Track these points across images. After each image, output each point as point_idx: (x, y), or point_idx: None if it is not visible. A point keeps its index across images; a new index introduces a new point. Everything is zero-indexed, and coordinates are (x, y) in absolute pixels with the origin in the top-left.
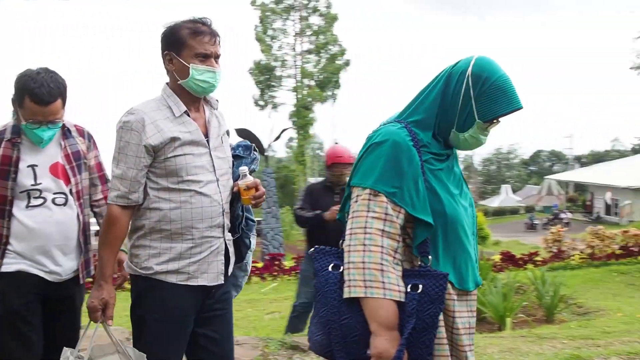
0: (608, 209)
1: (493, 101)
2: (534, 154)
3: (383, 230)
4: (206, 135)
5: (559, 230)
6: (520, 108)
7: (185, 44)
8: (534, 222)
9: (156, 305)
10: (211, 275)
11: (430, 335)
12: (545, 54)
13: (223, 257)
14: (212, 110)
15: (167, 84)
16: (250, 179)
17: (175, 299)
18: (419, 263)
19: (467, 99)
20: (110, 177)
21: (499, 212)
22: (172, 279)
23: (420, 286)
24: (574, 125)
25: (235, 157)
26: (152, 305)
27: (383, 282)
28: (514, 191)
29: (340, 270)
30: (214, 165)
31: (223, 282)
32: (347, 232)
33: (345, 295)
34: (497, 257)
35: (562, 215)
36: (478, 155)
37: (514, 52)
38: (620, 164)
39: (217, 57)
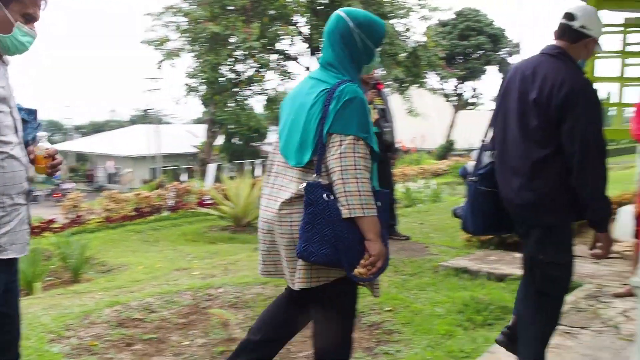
0: (110, 178)
1: (374, 31)
2: None
3: (366, 166)
4: None
5: (78, 195)
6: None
7: None
8: (36, 194)
9: None
10: (19, 247)
11: (386, 234)
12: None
13: (28, 226)
14: (4, 65)
15: None
16: (49, 146)
17: None
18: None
19: (363, 41)
20: None
21: None
22: None
23: (379, 202)
24: (73, 95)
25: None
26: None
27: (373, 204)
28: None
29: (332, 198)
30: (16, 126)
31: (27, 253)
32: (338, 168)
33: (346, 216)
34: None
35: (66, 186)
36: None
37: None
38: (119, 134)
39: (37, 21)
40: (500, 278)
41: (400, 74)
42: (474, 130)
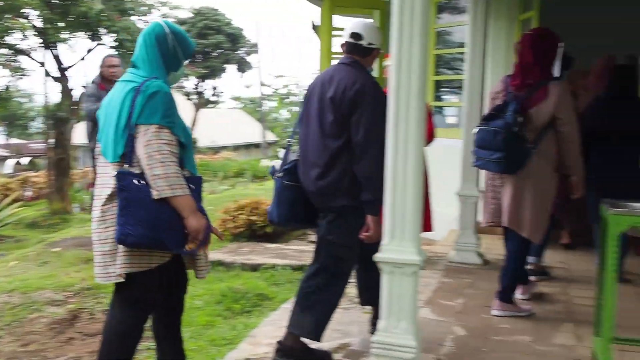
0: None
1: (186, 43)
2: None
3: (171, 151)
4: None
5: None
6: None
7: None
8: None
9: None
10: None
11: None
12: None
13: None
14: None
15: None
16: None
17: None
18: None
19: (175, 48)
20: None
21: None
22: None
23: (192, 186)
24: None
25: None
26: None
27: (182, 184)
28: None
29: (144, 183)
30: None
31: None
32: (145, 155)
33: (156, 197)
34: None
35: None
36: None
37: None
38: None
39: None
40: (254, 268)
41: None
42: (216, 128)
